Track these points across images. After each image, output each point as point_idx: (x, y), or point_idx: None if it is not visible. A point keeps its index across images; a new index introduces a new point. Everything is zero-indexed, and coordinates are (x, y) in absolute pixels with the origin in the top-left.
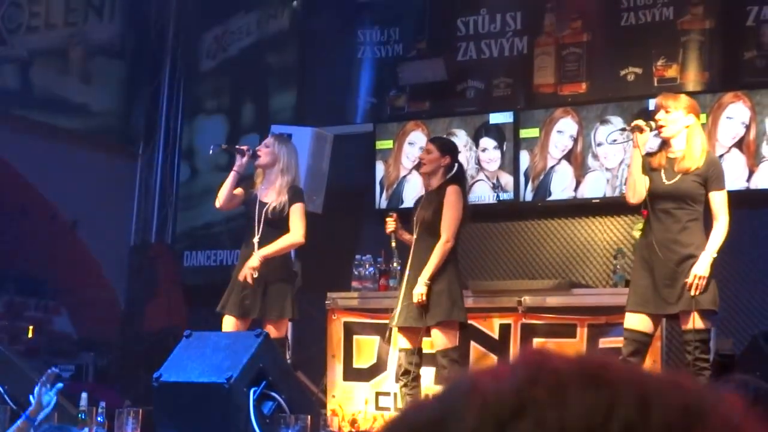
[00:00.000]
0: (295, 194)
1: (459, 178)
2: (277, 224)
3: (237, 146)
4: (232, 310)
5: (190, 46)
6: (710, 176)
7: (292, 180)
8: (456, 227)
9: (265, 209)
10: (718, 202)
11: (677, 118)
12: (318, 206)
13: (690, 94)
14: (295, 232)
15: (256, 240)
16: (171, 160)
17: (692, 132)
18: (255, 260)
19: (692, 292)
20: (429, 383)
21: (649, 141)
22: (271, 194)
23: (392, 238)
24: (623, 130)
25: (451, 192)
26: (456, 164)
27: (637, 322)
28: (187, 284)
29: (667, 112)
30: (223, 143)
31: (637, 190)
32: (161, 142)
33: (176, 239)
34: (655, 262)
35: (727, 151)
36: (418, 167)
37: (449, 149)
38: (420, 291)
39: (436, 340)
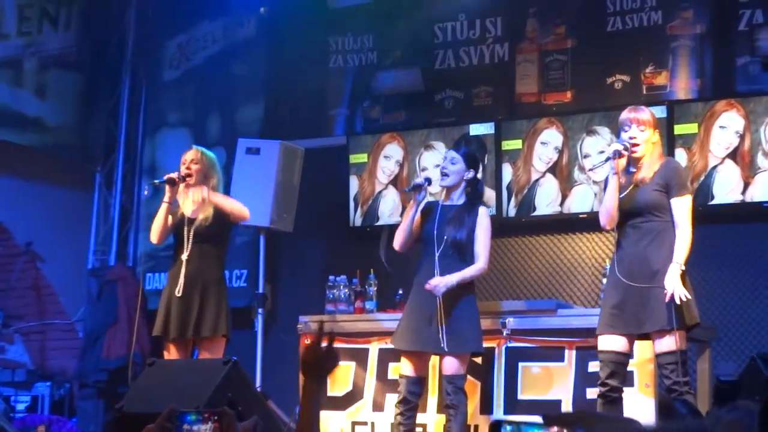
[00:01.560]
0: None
1: (481, 198)
2: (207, 239)
3: (167, 176)
4: (172, 333)
5: (151, 56)
6: (670, 182)
7: (216, 189)
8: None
9: (193, 227)
10: (680, 208)
11: (649, 137)
12: (288, 224)
13: (681, 102)
14: (243, 206)
15: (184, 257)
16: (131, 177)
17: (655, 148)
18: (202, 192)
19: (678, 300)
20: (428, 411)
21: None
22: (197, 209)
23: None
24: (608, 159)
25: (486, 216)
26: (478, 179)
27: (609, 342)
28: (150, 309)
29: (640, 129)
30: (155, 179)
31: (613, 215)
32: (121, 157)
33: (138, 261)
34: (624, 279)
35: (721, 162)
36: (429, 184)
37: (475, 162)
38: (447, 283)
39: (448, 365)
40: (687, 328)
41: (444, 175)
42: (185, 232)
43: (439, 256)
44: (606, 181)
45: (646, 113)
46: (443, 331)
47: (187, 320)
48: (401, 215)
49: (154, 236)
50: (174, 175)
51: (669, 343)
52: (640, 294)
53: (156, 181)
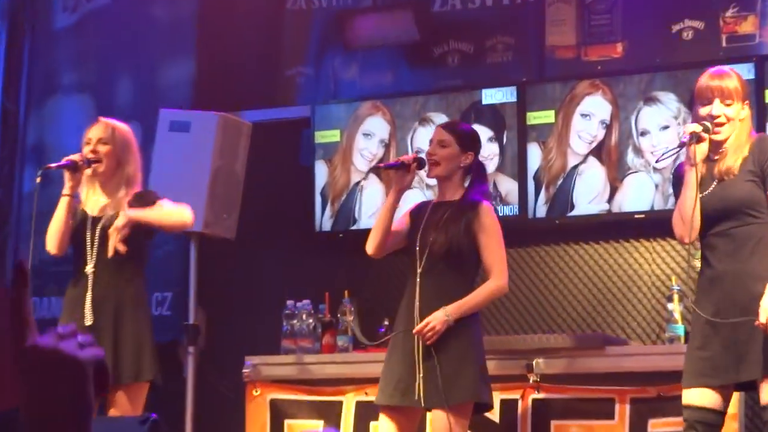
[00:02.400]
0: (145, 195)
1: (487, 189)
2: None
3: (66, 159)
4: None
5: None
6: (765, 164)
7: (134, 179)
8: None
9: (99, 229)
10: None
11: (736, 113)
12: (230, 228)
13: None
14: (182, 210)
15: (89, 270)
16: (11, 163)
17: (743, 126)
18: (121, 219)
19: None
20: None
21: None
22: (107, 206)
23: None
24: (681, 145)
25: (488, 213)
26: (479, 165)
27: (698, 396)
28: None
29: (726, 104)
30: (49, 163)
31: (696, 225)
32: None
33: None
34: (718, 308)
35: None
36: (419, 165)
37: (472, 142)
38: (441, 323)
39: (437, 425)
40: None
41: (433, 163)
42: (88, 238)
43: (421, 274)
44: (676, 175)
45: (733, 79)
46: (427, 378)
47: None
48: None
49: (53, 243)
50: (76, 157)
51: None
52: (743, 325)
53: (51, 165)
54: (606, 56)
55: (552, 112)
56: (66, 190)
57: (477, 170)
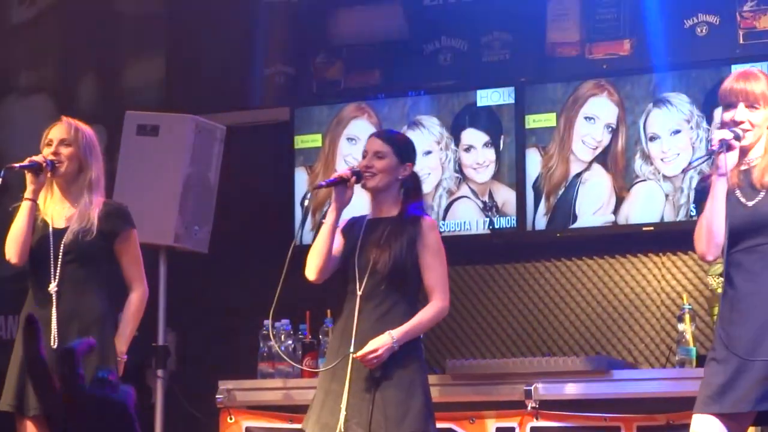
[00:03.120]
0: (122, 213)
1: (424, 203)
2: (84, 260)
3: (30, 160)
4: (31, 409)
5: None
6: None
7: (97, 185)
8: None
9: (64, 241)
10: None
11: (764, 119)
12: (202, 242)
13: None
14: (139, 283)
15: (53, 288)
16: None
17: None
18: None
19: None
20: None
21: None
22: (71, 215)
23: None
24: (710, 154)
25: (433, 229)
26: (416, 177)
27: (705, 425)
28: None
29: (752, 107)
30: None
31: (720, 241)
32: None
33: None
34: (740, 331)
35: None
36: (357, 179)
37: (410, 152)
38: (386, 350)
39: None
40: None
41: (370, 174)
42: (52, 253)
43: (362, 297)
44: (702, 188)
45: (760, 82)
46: (363, 409)
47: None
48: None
49: (13, 251)
50: (39, 158)
51: None
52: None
53: (15, 164)
54: (612, 54)
55: (553, 115)
56: (28, 194)
57: (414, 183)
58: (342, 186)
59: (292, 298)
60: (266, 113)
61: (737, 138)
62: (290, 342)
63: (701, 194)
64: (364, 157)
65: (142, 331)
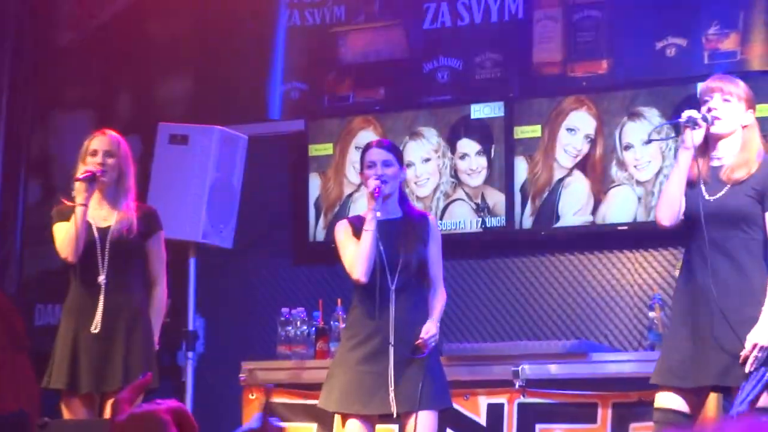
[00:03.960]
0: (155, 216)
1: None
2: (127, 254)
3: (87, 171)
4: (84, 387)
5: (42, 12)
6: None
7: (131, 190)
8: None
9: (109, 239)
10: None
11: (736, 112)
12: (227, 238)
13: (757, 75)
14: (162, 279)
15: (102, 280)
16: (14, 176)
17: (750, 135)
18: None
19: (747, 368)
20: None
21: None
22: (110, 215)
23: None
24: (676, 124)
25: (437, 225)
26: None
27: (669, 399)
28: (40, 351)
29: (725, 99)
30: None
31: (675, 208)
32: (1, 148)
33: (23, 288)
34: (699, 314)
35: None
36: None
37: (402, 158)
38: (436, 329)
39: (420, 428)
40: None
41: (383, 182)
42: (98, 247)
43: (396, 291)
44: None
45: (734, 82)
46: (406, 386)
47: (109, 369)
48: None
49: (69, 250)
50: (93, 169)
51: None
52: (722, 335)
53: (79, 176)
54: (591, 72)
55: (538, 127)
56: (81, 200)
57: (401, 186)
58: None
59: (306, 288)
60: (283, 125)
61: (705, 120)
62: (305, 327)
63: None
64: (369, 166)
65: (174, 318)
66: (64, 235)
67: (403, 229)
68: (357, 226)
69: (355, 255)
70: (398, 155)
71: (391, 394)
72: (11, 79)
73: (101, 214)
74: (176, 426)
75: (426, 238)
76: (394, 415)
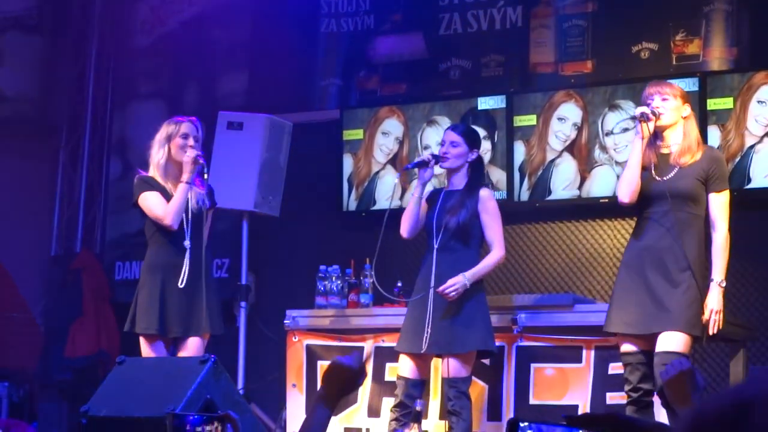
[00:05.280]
0: (212, 195)
1: (484, 179)
2: (201, 223)
3: (199, 155)
4: (175, 331)
5: (121, 19)
6: (712, 174)
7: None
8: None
9: (191, 209)
10: (719, 205)
11: (675, 107)
12: (275, 208)
13: (715, 73)
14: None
15: (187, 243)
16: (99, 155)
17: (689, 124)
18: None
19: (711, 331)
20: (429, 417)
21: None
22: (194, 194)
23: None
24: (633, 118)
25: (491, 198)
26: (480, 159)
27: (631, 344)
28: (119, 301)
29: (663, 99)
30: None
31: (633, 187)
32: (87, 132)
33: (105, 248)
34: (645, 273)
35: (759, 141)
36: (436, 161)
37: (477, 141)
38: (461, 285)
39: (449, 367)
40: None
41: (444, 159)
42: (184, 218)
43: (438, 249)
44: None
45: (670, 84)
46: (441, 331)
47: (193, 316)
48: (400, 198)
49: (175, 218)
50: (198, 153)
51: (670, 343)
52: (663, 291)
53: (196, 157)
54: (578, 71)
55: (534, 117)
56: (187, 179)
57: (478, 163)
58: (424, 167)
59: (340, 249)
60: (322, 114)
61: (653, 113)
62: (339, 282)
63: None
64: (442, 145)
65: (231, 274)
66: (169, 206)
67: (459, 198)
68: (432, 194)
69: (403, 217)
70: (468, 138)
71: (426, 334)
72: (96, 74)
73: (193, 189)
74: None
75: (472, 207)
76: (422, 350)
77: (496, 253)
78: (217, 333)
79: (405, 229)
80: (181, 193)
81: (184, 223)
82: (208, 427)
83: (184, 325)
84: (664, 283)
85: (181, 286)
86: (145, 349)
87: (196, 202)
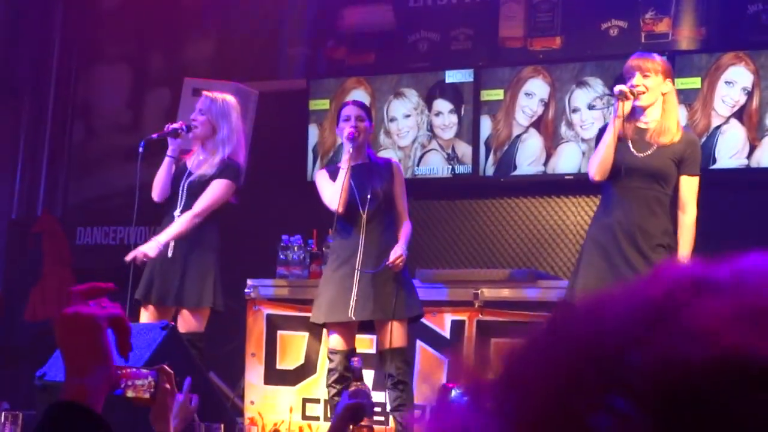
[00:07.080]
0: (226, 169)
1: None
2: (197, 194)
3: (169, 127)
4: (149, 298)
5: None
6: (687, 157)
7: (232, 153)
8: None
9: (188, 181)
10: (691, 188)
11: (656, 84)
12: None
13: (683, 53)
14: (195, 206)
15: (177, 213)
16: (63, 118)
17: (669, 101)
18: (152, 248)
19: None
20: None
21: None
22: (205, 167)
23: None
24: (611, 95)
25: (401, 169)
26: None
27: None
28: (80, 266)
29: (645, 76)
30: (153, 134)
31: (606, 165)
32: (51, 94)
33: (67, 212)
34: (613, 248)
35: (725, 122)
36: (187, 130)
37: (372, 116)
38: (403, 252)
39: (395, 337)
40: None
41: (354, 137)
42: (180, 186)
43: (366, 220)
44: (600, 130)
45: (653, 59)
46: (376, 298)
47: (171, 286)
48: None
49: (156, 193)
50: (177, 125)
51: None
52: (631, 267)
53: (153, 135)
54: (547, 47)
55: (501, 91)
56: (170, 152)
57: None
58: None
59: (303, 219)
60: (289, 83)
61: (632, 93)
62: (301, 252)
63: (600, 134)
64: (346, 120)
65: None
66: (155, 180)
67: (370, 170)
68: (332, 172)
69: (333, 191)
70: (368, 112)
71: (352, 303)
72: (61, 37)
73: (197, 161)
74: (114, 332)
75: (388, 178)
76: (352, 318)
77: (409, 224)
78: (188, 306)
79: (341, 202)
80: (161, 166)
81: (179, 194)
82: (139, 381)
83: (159, 294)
84: (636, 257)
85: (169, 256)
86: (144, 315)
87: (201, 174)
